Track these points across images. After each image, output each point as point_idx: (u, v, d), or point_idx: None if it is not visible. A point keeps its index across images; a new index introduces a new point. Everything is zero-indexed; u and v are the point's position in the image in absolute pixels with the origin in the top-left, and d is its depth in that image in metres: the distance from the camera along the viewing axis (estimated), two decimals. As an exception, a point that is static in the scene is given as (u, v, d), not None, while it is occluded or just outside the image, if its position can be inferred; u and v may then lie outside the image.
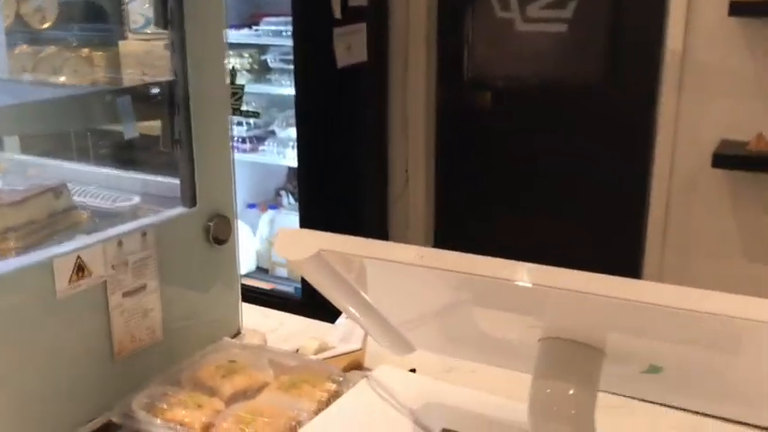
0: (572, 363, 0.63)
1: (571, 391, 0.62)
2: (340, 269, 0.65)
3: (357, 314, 0.76)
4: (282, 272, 3.31)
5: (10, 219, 0.98)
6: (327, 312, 1.40)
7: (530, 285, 0.57)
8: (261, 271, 3.39)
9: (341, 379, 1.01)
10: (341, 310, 0.75)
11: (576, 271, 0.59)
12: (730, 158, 2.62)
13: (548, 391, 0.62)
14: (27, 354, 0.89)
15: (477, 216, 3.35)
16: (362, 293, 0.70)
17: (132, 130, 1.02)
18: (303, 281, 3.17)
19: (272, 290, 3.25)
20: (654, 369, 0.63)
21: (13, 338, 0.88)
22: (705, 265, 2.86)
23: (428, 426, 0.84)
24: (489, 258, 0.59)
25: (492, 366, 0.82)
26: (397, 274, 0.62)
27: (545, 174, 3.14)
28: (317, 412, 0.94)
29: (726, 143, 2.68)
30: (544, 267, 0.59)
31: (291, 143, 3.18)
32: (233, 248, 1.18)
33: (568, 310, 0.61)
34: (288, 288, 3.24)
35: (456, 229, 3.41)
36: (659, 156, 2.85)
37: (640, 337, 0.61)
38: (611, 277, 0.58)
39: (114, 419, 0.93)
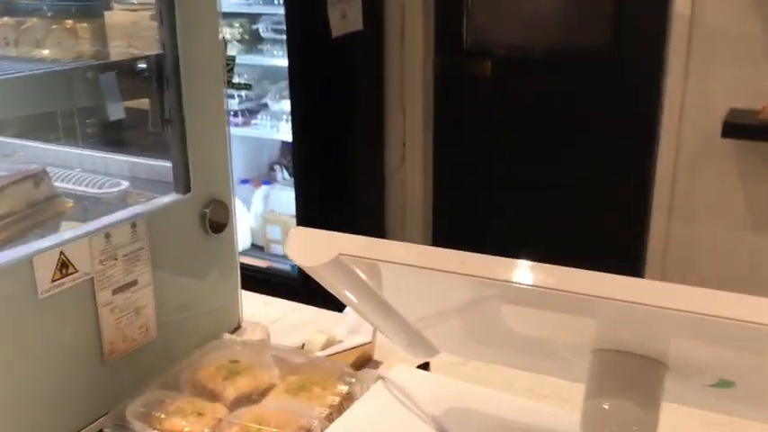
0: (632, 377, 0.55)
1: (632, 409, 0.54)
2: (360, 273, 0.56)
3: (376, 318, 0.68)
4: (278, 249, 3.23)
5: (-16, 210, 0.88)
6: (325, 292, 1.33)
7: (588, 297, 0.49)
8: (256, 248, 3.31)
9: (353, 380, 0.93)
10: (358, 314, 0.66)
11: (637, 279, 0.50)
12: (741, 128, 2.53)
13: (605, 407, 0.54)
14: (6, 358, 0.81)
15: (476, 190, 3.26)
16: (384, 298, 0.62)
17: (118, 109, 0.92)
18: (300, 258, 3.09)
19: (267, 268, 3.17)
20: (725, 384, 0.55)
21: (-9, 344, 0.79)
22: (711, 235, 2.79)
23: (455, 436, 0.76)
24: (539, 264, 0.50)
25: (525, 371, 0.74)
26: (429, 279, 0.53)
27: (548, 144, 3.05)
28: (329, 419, 0.86)
29: (735, 112, 2.59)
30: (602, 275, 0.50)
31: (285, 116, 3.08)
32: (231, 235, 1.09)
33: (629, 322, 0.52)
34: (284, 266, 3.16)
35: (455, 203, 3.33)
36: (666, 125, 2.77)
37: (711, 351, 0.52)
38: (678, 286, 0.50)
39: (106, 430, 0.85)
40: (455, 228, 3.29)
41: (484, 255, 0.49)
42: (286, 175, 3.40)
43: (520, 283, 0.48)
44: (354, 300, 0.64)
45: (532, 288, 0.48)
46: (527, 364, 0.71)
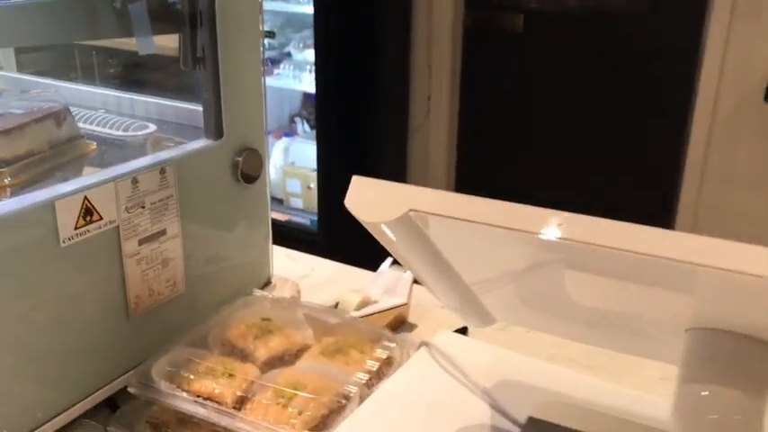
0: (736, 360, 0.49)
1: (735, 396, 0.47)
2: (428, 231, 0.49)
3: (432, 279, 0.61)
4: (298, 203, 3.17)
5: (2, 150, 0.82)
6: (344, 246, 1.28)
7: (693, 265, 0.42)
8: (275, 202, 3.25)
9: (393, 345, 0.87)
10: (415, 276, 0.60)
11: (750, 245, 0.43)
12: (786, 92, 2.42)
13: (704, 393, 0.48)
14: (26, 311, 0.75)
15: (503, 148, 3.17)
16: (446, 258, 0.55)
17: (148, 44, 0.84)
18: (320, 213, 3.04)
19: (287, 221, 3.11)
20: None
21: (9, 294, 0.73)
22: (746, 201, 2.70)
23: (509, 412, 0.70)
24: (640, 227, 0.43)
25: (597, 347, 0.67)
26: (509, 241, 0.46)
27: (579, 101, 2.94)
28: (368, 385, 0.80)
29: (779, 75, 2.48)
30: (711, 241, 0.43)
31: (309, 66, 2.98)
32: (264, 187, 1.03)
33: (737, 296, 0.45)
34: (303, 220, 3.10)
35: (480, 161, 3.24)
36: (704, 85, 2.65)
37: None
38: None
39: (131, 389, 0.80)
40: (479, 187, 3.20)
41: (582, 215, 0.42)
42: (307, 127, 3.32)
43: (625, 250, 0.41)
44: (411, 258, 0.57)
45: (639, 256, 0.41)
46: (600, 340, 0.65)
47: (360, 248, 1.38)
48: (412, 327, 1.08)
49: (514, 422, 0.68)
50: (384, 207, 0.46)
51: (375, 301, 1.06)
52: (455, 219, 0.44)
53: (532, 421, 0.66)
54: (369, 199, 0.48)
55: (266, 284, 1.07)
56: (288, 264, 1.29)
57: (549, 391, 0.73)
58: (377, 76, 3.06)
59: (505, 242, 0.47)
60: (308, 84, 3.00)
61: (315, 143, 2.99)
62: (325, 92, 2.89)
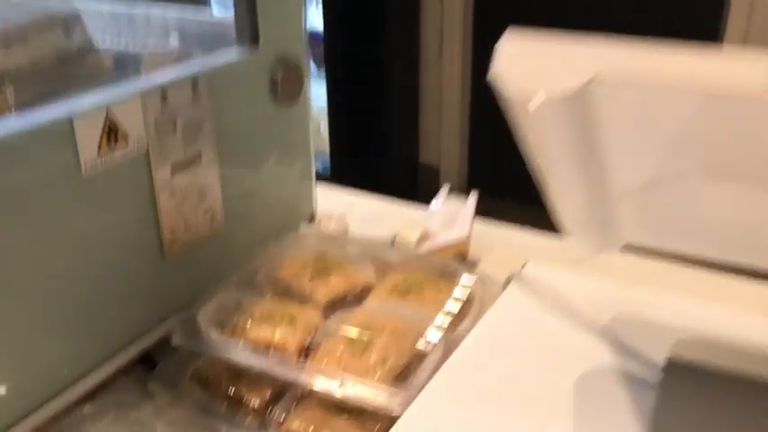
0: None
1: None
2: (603, 108, 0.36)
3: (569, 186, 0.48)
4: (307, 146, 3.02)
5: (2, 61, 0.68)
6: (358, 188, 1.18)
7: None
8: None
9: (472, 281, 0.75)
10: (544, 176, 0.46)
11: None
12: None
13: None
14: (45, 251, 0.62)
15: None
16: (606, 153, 0.42)
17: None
18: (332, 156, 2.90)
19: (297, 166, 2.97)
20: None
21: (24, 235, 0.60)
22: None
23: (641, 353, 0.58)
24: None
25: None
26: (719, 117, 0.33)
27: (599, 28, 2.78)
28: (452, 329, 0.68)
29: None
30: None
31: (314, 0, 2.81)
32: (305, 109, 0.90)
33: None
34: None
35: (495, 97, 3.09)
36: (734, 11, 2.50)
37: None
38: None
39: (175, 341, 0.67)
40: (494, 123, 3.06)
41: None
42: (313, 67, 3.15)
43: None
44: (554, 151, 0.43)
45: None
46: (755, 257, 0.52)
47: (374, 189, 1.26)
48: (473, 264, 0.95)
49: (650, 365, 0.56)
50: (554, 74, 0.33)
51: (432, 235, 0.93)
52: (665, 86, 0.31)
53: (674, 363, 0.54)
54: (529, 64, 0.34)
55: (310, 220, 0.95)
56: (324, 201, 1.16)
57: (678, 327, 0.61)
58: (386, 10, 2.89)
59: (712, 119, 0.34)
60: (314, 19, 2.83)
61: (323, 82, 2.84)
62: (332, 27, 2.72)
